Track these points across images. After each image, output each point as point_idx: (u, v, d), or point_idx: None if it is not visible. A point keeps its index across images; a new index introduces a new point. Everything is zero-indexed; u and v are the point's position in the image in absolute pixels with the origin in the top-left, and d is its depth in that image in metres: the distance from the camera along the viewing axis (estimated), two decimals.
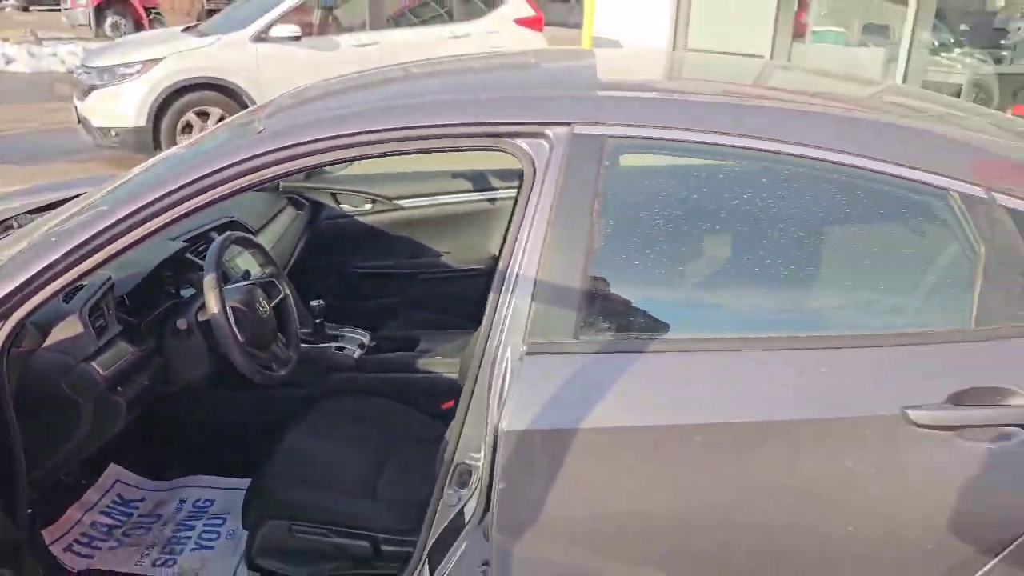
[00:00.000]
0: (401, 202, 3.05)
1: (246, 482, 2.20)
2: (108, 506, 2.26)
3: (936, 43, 7.60)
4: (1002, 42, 7.59)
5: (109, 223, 1.58)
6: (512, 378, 1.48)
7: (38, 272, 1.54)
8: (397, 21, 8.14)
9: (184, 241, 2.21)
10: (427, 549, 1.67)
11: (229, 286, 2.05)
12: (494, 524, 1.51)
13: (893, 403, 1.41)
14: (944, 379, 1.42)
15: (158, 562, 2.09)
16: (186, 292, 2.11)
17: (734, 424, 1.43)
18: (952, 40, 7.71)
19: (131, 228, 1.58)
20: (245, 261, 2.30)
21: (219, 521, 2.24)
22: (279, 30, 7.34)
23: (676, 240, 1.61)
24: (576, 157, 1.54)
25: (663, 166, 1.72)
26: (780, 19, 8.72)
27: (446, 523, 1.66)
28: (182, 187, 1.58)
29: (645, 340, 1.50)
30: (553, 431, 1.45)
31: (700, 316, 1.61)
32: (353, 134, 1.61)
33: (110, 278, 1.87)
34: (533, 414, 1.45)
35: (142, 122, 6.91)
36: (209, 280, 1.87)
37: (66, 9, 21.17)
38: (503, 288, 1.54)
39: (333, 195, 3.08)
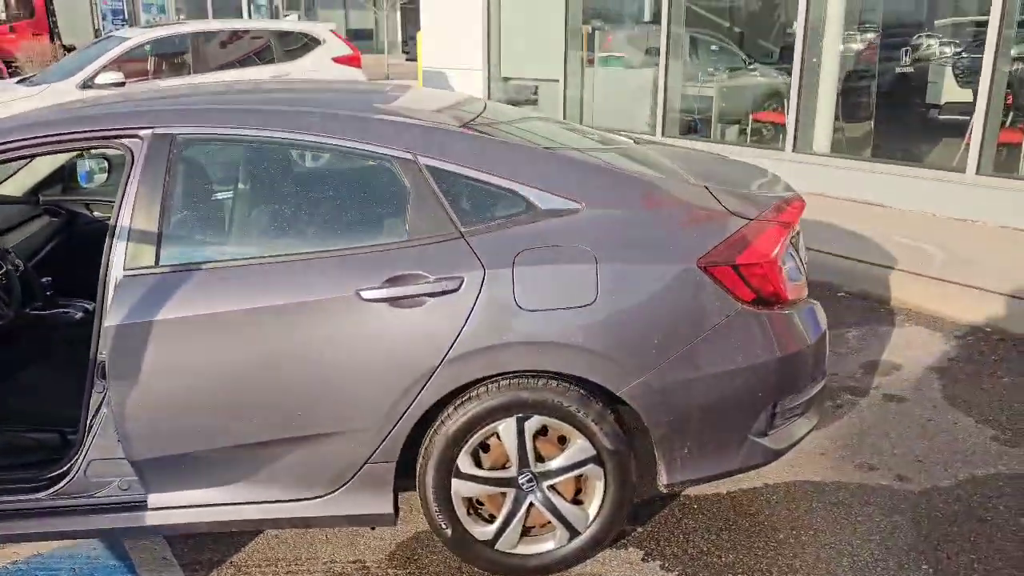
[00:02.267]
0: None
1: None
2: None
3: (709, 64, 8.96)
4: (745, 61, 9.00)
5: None
6: (115, 293, 2.28)
7: None
8: (221, 65, 8.86)
9: None
10: (88, 424, 2.43)
11: None
12: (112, 397, 2.30)
13: (352, 287, 2.27)
14: (383, 271, 2.29)
15: None
16: None
17: (250, 309, 2.26)
18: (706, 63, 9.09)
19: None
20: None
21: None
22: (104, 77, 7.99)
23: (217, 200, 2.47)
24: (155, 148, 2.37)
25: (214, 151, 2.57)
26: (568, 52, 9.98)
27: (97, 405, 2.43)
28: None
29: (198, 263, 2.32)
30: (138, 323, 2.25)
31: (230, 247, 2.43)
32: (9, 142, 2.39)
33: None
34: (126, 314, 2.25)
35: None
36: None
37: None
38: (113, 237, 2.34)
39: (87, 205, 3.81)
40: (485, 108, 2.96)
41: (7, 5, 20.67)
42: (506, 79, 11.50)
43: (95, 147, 2.51)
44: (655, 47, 8.98)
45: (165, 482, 2.42)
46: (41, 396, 2.76)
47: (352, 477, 2.41)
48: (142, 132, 2.39)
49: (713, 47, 8.94)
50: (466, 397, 2.36)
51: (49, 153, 2.47)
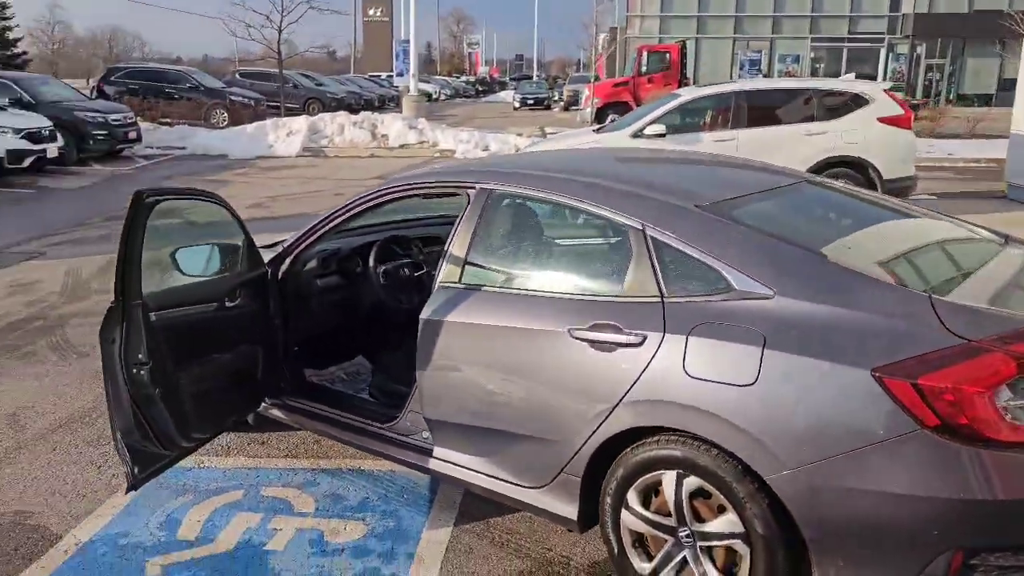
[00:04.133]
0: None
1: None
2: (347, 372, 4.40)
3: None
4: None
5: (329, 213, 3.70)
6: (432, 297, 3.20)
7: (305, 233, 3.72)
8: (758, 122, 9.46)
9: (395, 233, 4.28)
10: (414, 386, 3.40)
11: (399, 261, 4.05)
12: (417, 369, 3.22)
13: (567, 325, 2.78)
14: (592, 316, 2.74)
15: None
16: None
17: (500, 326, 2.94)
18: None
19: (348, 210, 3.65)
20: (417, 254, 4.26)
21: None
22: (651, 129, 9.33)
23: (502, 239, 3.17)
24: (478, 199, 3.21)
25: (517, 205, 3.26)
26: None
27: None
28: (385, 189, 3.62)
29: (479, 285, 3.09)
30: (442, 320, 3.11)
31: (501, 277, 3.11)
32: (425, 183, 3.50)
33: (339, 249, 4.02)
34: (432, 312, 3.15)
35: None
36: (372, 254, 3.91)
37: (578, 109, 26.20)
38: (442, 257, 3.25)
39: None
40: (773, 192, 3.12)
41: (649, 60, 24.41)
42: None
43: (454, 193, 3.47)
44: None
45: (443, 440, 3.26)
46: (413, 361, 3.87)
47: (552, 480, 2.92)
48: (476, 186, 3.26)
49: None
50: (641, 442, 2.67)
51: (435, 194, 3.53)
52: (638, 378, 2.61)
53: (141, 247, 2.86)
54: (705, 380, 2.48)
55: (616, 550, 2.80)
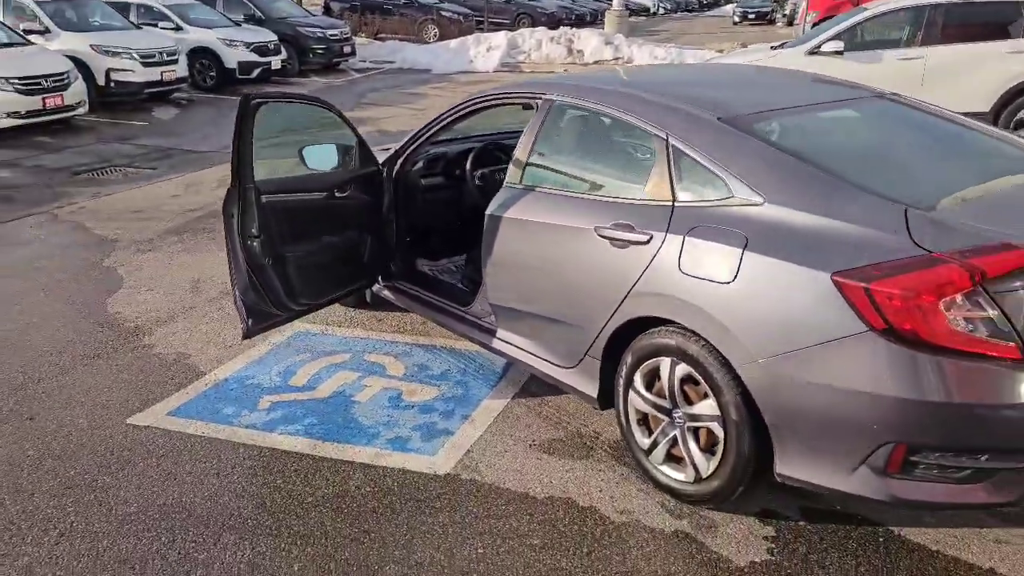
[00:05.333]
0: None
1: None
2: (456, 265, 4.93)
3: None
4: None
5: (429, 122, 4.18)
6: (496, 196, 3.61)
7: (411, 138, 4.25)
8: (951, 38, 8.68)
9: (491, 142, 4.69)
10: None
11: (495, 167, 4.47)
12: (481, 258, 3.67)
13: (595, 223, 3.10)
14: (615, 216, 3.04)
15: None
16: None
17: (542, 222, 3.31)
18: None
19: (448, 117, 4.13)
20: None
21: None
22: (829, 46, 8.88)
23: (562, 147, 3.49)
24: (542, 108, 3.53)
25: (572, 115, 3.52)
26: None
27: None
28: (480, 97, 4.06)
29: (533, 186, 3.45)
30: (501, 215, 3.52)
31: (555, 181, 3.43)
32: (506, 95, 3.87)
33: (446, 152, 4.50)
34: (495, 207, 3.56)
35: None
36: (470, 159, 4.35)
37: (795, 24, 24.67)
38: (511, 160, 3.64)
39: None
40: (817, 106, 3.20)
41: None
42: None
43: (529, 104, 3.78)
44: None
45: (502, 323, 3.71)
46: None
47: (579, 362, 3.29)
48: (543, 97, 3.58)
49: None
50: (647, 332, 2.97)
51: (515, 104, 3.88)
52: (642, 273, 2.90)
53: (251, 140, 3.49)
54: (694, 277, 2.73)
55: (624, 425, 3.16)
